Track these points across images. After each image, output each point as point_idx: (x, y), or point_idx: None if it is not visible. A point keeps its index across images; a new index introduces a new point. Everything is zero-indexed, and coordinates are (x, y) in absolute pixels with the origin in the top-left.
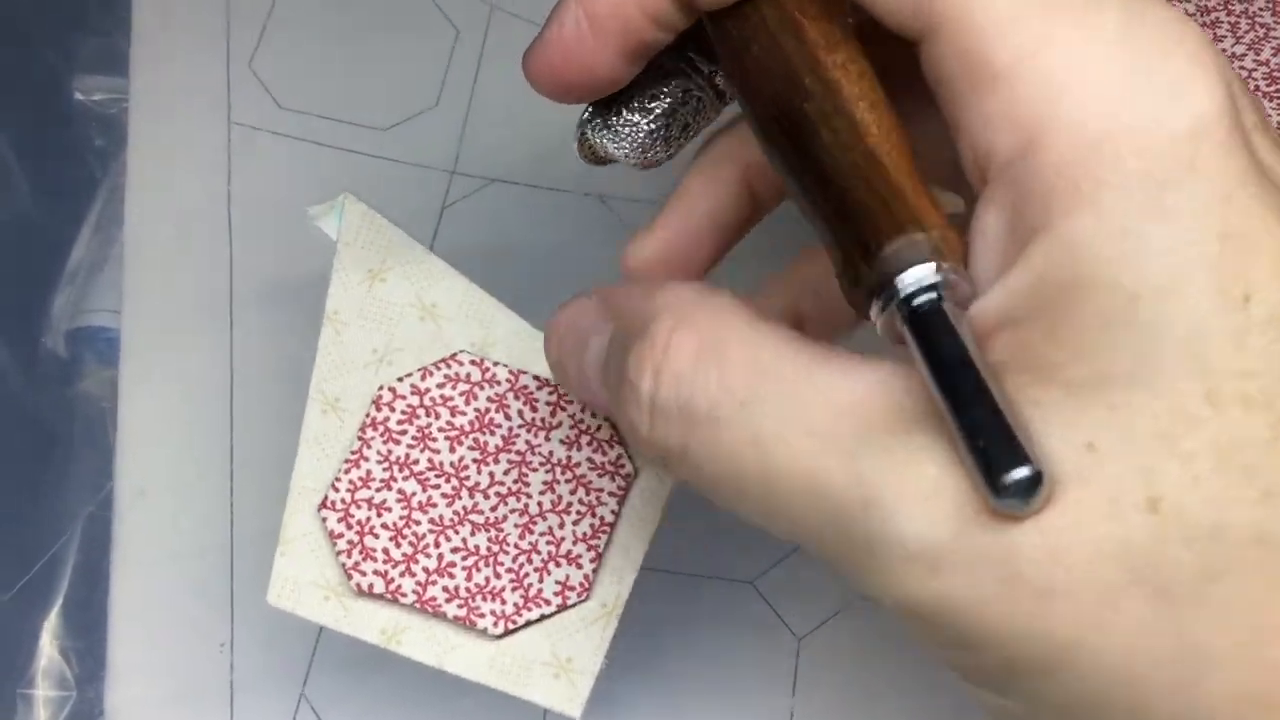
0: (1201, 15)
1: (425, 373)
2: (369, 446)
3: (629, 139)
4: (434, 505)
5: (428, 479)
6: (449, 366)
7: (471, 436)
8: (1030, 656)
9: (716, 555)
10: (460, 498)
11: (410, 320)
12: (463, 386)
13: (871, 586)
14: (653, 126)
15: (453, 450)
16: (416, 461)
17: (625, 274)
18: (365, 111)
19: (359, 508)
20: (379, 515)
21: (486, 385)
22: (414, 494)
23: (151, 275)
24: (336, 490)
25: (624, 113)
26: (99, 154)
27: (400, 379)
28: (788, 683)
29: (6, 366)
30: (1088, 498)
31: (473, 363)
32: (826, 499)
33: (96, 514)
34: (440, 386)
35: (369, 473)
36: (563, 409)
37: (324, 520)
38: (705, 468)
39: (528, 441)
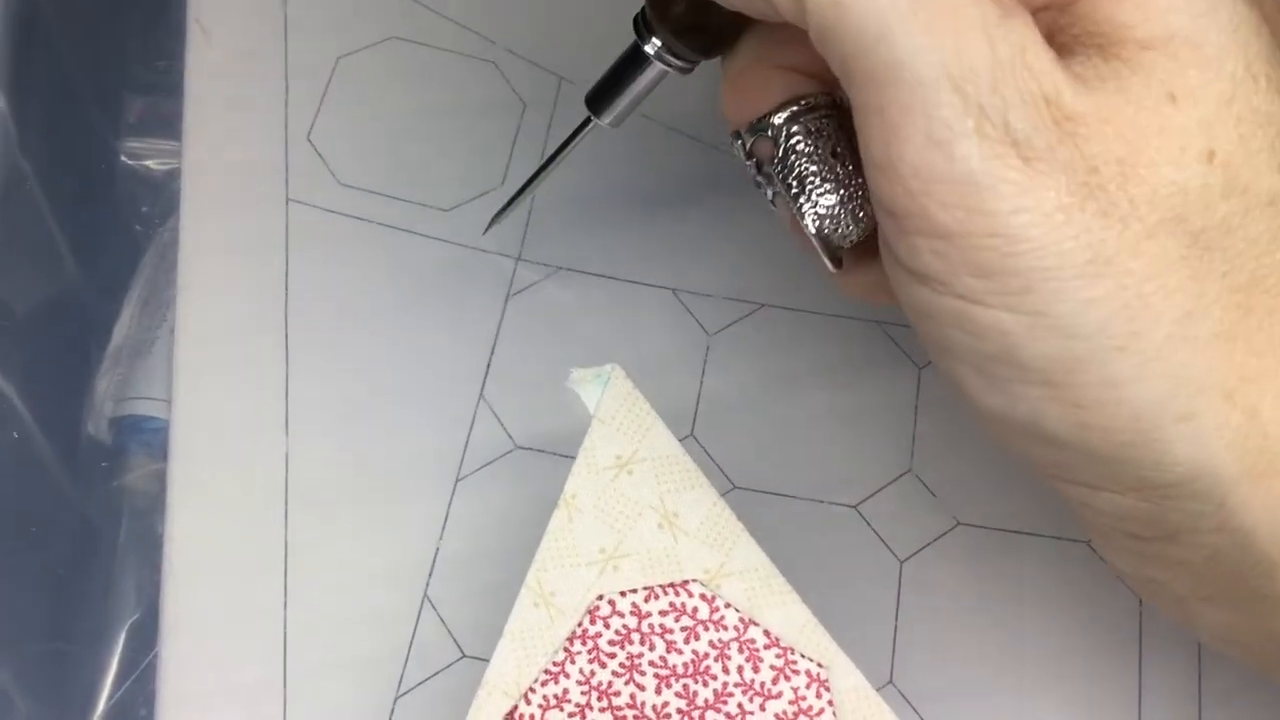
0: None
1: (650, 594)
2: (572, 662)
3: (844, 211)
4: None
5: (625, 717)
6: (677, 594)
7: (682, 681)
8: (1071, 264)
9: (822, 482)
10: None
11: (647, 525)
12: (686, 621)
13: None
14: (836, 196)
15: (659, 692)
16: (619, 694)
17: None
18: (427, 190)
19: None
20: None
21: (712, 627)
22: None
23: (203, 364)
24: (529, 703)
25: (820, 206)
26: (145, 220)
27: (622, 593)
28: (891, 604)
29: (46, 454)
30: (1165, 145)
31: (703, 597)
32: None
33: (141, 622)
34: (663, 615)
35: (565, 692)
36: (786, 679)
37: None
38: None
39: (740, 705)
